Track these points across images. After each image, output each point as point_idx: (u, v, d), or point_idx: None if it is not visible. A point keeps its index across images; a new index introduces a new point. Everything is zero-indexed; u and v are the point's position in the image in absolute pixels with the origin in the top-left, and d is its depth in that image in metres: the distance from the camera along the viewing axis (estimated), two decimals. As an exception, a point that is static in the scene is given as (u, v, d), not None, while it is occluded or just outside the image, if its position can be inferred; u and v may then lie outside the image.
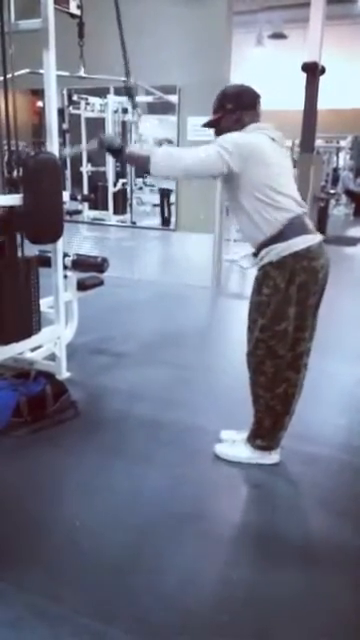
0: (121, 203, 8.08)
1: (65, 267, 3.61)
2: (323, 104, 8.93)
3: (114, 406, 3.30)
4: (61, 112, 6.81)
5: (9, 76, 2.88)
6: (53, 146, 3.22)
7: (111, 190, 7.87)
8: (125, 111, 8.24)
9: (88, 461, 2.72)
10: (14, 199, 2.90)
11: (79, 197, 6.96)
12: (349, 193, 14.70)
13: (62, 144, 7.08)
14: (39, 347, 3.51)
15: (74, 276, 3.78)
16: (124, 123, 8.36)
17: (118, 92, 7.16)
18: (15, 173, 2.95)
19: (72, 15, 3.41)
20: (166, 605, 1.85)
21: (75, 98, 7.44)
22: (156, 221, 8.11)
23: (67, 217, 4.64)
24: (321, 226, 9.87)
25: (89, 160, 7.93)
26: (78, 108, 7.64)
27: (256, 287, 2.42)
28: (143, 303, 5.77)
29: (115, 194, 7.93)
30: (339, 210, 14.85)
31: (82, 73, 4.08)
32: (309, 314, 2.40)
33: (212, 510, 2.41)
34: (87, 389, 3.45)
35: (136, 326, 4.89)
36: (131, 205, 8.24)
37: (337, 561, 2.11)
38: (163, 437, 2.95)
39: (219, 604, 1.87)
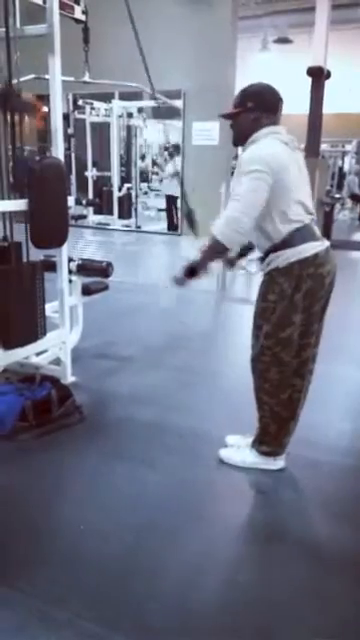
0: (126, 207, 8.09)
1: (70, 272, 3.61)
2: (328, 108, 8.94)
3: (119, 410, 3.30)
4: (66, 117, 6.83)
5: (15, 81, 2.89)
6: (58, 151, 3.22)
7: (116, 194, 7.88)
8: (130, 116, 8.27)
9: (93, 465, 2.71)
10: (20, 204, 2.91)
11: (84, 202, 6.97)
12: (354, 197, 14.67)
13: (67, 149, 7.10)
14: (44, 351, 3.51)
15: (79, 281, 3.78)
16: (129, 128, 8.38)
17: (123, 97, 7.18)
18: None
19: (77, 20, 3.43)
20: (169, 608, 1.85)
21: (80, 103, 7.46)
22: (161, 226, 8.12)
23: (72, 222, 4.65)
24: (326, 230, 9.87)
25: (94, 164, 7.94)
26: (83, 113, 7.66)
27: (262, 293, 2.41)
28: (148, 307, 5.77)
29: (120, 198, 7.95)
30: (344, 214, 14.83)
31: (87, 78, 4.10)
32: (315, 320, 2.39)
33: (216, 514, 2.40)
34: (92, 393, 3.45)
35: (141, 330, 4.89)
36: (136, 210, 8.25)
37: (341, 565, 2.10)
38: (168, 441, 2.94)
39: (222, 606, 1.87)
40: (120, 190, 8.00)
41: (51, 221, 3.04)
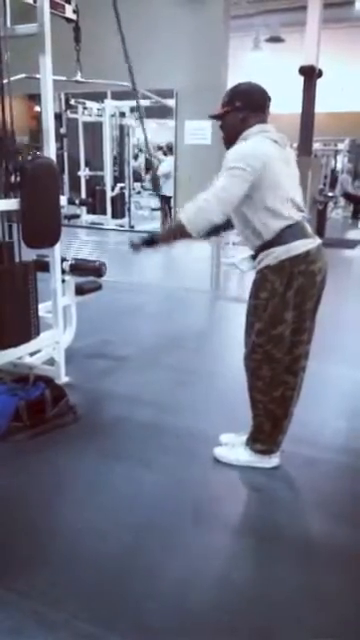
0: (119, 207, 8.09)
1: (63, 271, 3.60)
2: (321, 107, 8.96)
3: (113, 410, 3.29)
4: (58, 117, 6.82)
5: (5, 81, 2.88)
6: (50, 150, 3.21)
7: (109, 194, 7.87)
8: (122, 115, 8.25)
9: (88, 465, 2.71)
10: (12, 203, 2.90)
11: (77, 201, 6.96)
12: (347, 196, 14.71)
13: (60, 149, 7.08)
14: (38, 351, 3.50)
15: (72, 280, 3.77)
16: (122, 127, 8.37)
17: (115, 96, 7.17)
18: (13, 178, 2.95)
19: (68, 19, 3.41)
20: (166, 609, 1.85)
21: (72, 102, 7.44)
22: (154, 225, 8.11)
23: (65, 221, 4.63)
24: (320, 229, 9.88)
25: (87, 164, 7.93)
26: (75, 112, 7.64)
27: (253, 290, 2.42)
28: (142, 307, 5.76)
29: (113, 198, 7.94)
30: (337, 213, 14.86)
31: (79, 77, 4.08)
32: (307, 318, 2.40)
33: (212, 513, 2.40)
34: (86, 393, 3.44)
35: (135, 330, 4.89)
36: (129, 209, 8.25)
37: (337, 563, 2.09)
38: (163, 441, 2.94)
39: (219, 606, 1.87)
40: (113, 190, 7.99)
41: (43, 221, 3.04)
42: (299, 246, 2.30)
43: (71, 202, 6.49)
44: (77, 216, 7.13)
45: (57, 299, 3.47)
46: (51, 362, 3.54)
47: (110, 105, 7.66)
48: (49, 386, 3.11)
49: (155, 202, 8.57)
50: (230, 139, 2.44)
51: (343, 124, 14.11)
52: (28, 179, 2.91)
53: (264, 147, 2.30)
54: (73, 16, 3.43)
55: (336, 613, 1.86)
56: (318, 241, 2.39)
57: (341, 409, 3.40)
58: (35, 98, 3.34)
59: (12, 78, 2.95)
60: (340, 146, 15.87)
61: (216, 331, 5.05)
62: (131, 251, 2.56)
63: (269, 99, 2.45)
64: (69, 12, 3.37)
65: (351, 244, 10.39)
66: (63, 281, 3.58)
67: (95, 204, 7.73)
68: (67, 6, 3.34)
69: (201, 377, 3.81)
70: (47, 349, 3.50)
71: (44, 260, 3.41)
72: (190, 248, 6.19)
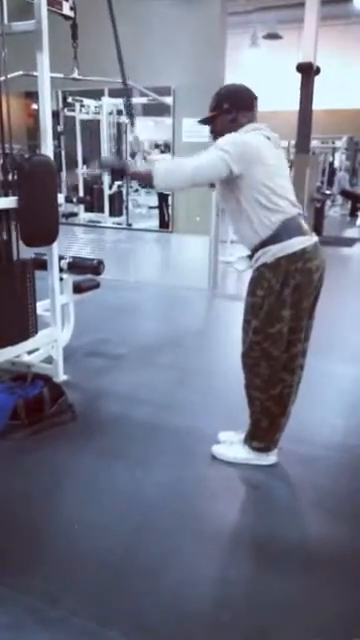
0: (117, 205, 8.07)
1: (61, 270, 3.60)
2: (318, 105, 8.95)
3: (112, 408, 3.29)
4: (56, 114, 6.80)
5: (2, 78, 2.88)
6: (47, 148, 3.21)
7: (107, 192, 7.86)
8: (120, 113, 8.23)
9: (86, 463, 2.71)
10: (10, 202, 2.90)
11: (75, 199, 6.94)
12: (345, 193, 14.71)
13: (57, 146, 7.06)
14: (36, 350, 3.50)
15: (70, 279, 3.77)
16: (119, 125, 8.35)
17: (113, 94, 7.15)
18: (10, 176, 2.94)
19: (65, 17, 3.40)
20: (164, 606, 1.85)
21: (70, 100, 7.42)
22: (152, 223, 8.10)
23: (63, 220, 4.63)
24: (317, 227, 9.88)
25: (84, 162, 7.91)
26: (73, 110, 7.62)
27: (250, 288, 2.42)
28: (140, 305, 5.76)
29: (111, 196, 7.92)
30: (335, 211, 14.86)
31: (76, 75, 4.07)
32: (304, 316, 2.40)
33: (210, 511, 2.40)
34: (84, 392, 3.44)
35: (133, 328, 4.89)
36: (127, 207, 8.23)
37: (335, 560, 2.10)
38: (161, 439, 2.94)
39: (217, 605, 1.87)
40: (111, 188, 7.98)
41: (41, 219, 3.03)
42: (295, 244, 2.30)
43: (69, 200, 6.48)
44: (75, 214, 7.11)
45: (55, 297, 3.47)
46: (49, 360, 3.54)
47: (107, 103, 7.64)
48: (47, 384, 3.11)
49: (154, 200, 8.53)
50: None
51: (341, 121, 14.11)
52: (26, 177, 2.91)
53: (256, 140, 2.32)
54: (70, 13, 3.42)
55: (334, 611, 1.87)
56: (315, 238, 2.39)
57: (339, 406, 3.41)
58: (33, 96, 3.33)
59: (9, 75, 2.95)
60: (338, 143, 15.86)
61: (214, 329, 5.05)
62: (98, 166, 2.68)
63: (256, 98, 2.47)
64: (66, 9, 3.37)
65: (349, 242, 10.40)
66: (61, 279, 3.58)
67: (93, 202, 7.72)
68: (64, 3, 3.33)
69: (199, 375, 3.82)
70: (45, 347, 3.50)
71: (42, 258, 3.41)
72: (187, 246, 6.20)
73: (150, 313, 5.59)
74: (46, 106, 3.17)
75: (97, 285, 4.00)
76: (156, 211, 8.34)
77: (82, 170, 7.91)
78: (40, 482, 2.56)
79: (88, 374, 3.72)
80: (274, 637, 1.78)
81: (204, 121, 2.53)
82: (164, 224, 7.20)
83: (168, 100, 6.01)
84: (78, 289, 3.84)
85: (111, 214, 7.85)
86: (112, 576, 1.98)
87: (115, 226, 7.62)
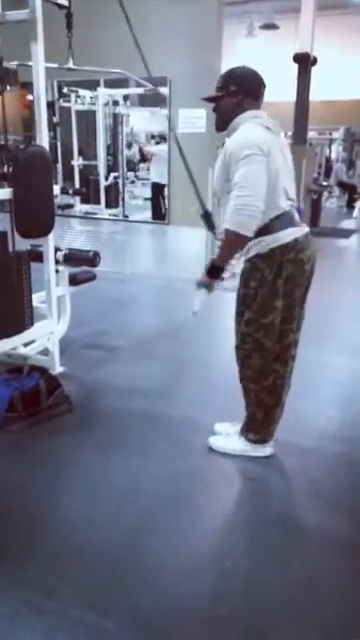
0: (113, 197, 8.05)
1: (57, 261, 3.59)
2: (315, 95, 8.91)
3: (108, 400, 3.29)
4: (51, 105, 6.75)
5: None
6: (43, 139, 3.19)
7: (103, 184, 7.83)
8: (116, 103, 8.19)
9: (83, 455, 2.71)
10: (5, 193, 2.88)
11: (70, 191, 6.92)
12: (342, 185, 14.69)
13: (53, 138, 7.03)
14: (32, 342, 3.49)
15: (66, 270, 3.75)
16: (115, 116, 8.31)
17: (108, 84, 7.12)
18: (5, 168, 2.93)
19: (60, 6, 3.37)
20: (161, 598, 1.86)
21: (65, 91, 7.38)
22: (149, 215, 8.08)
23: (59, 211, 4.60)
24: (314, 218, 9.87)
25: (80, 153, 7.88)
26: (68, 101, 7.58)
27: (243, 279, 2.42)
28: (136, 297, 5.76)
29: (107, 188, 7.89)
30: (332, 202, 14.84)
31: (71, 65, 4.03)
32: (296, 306, 2.40)
33: (207, 503, 2.41)
34: (81, 383, 3.44)
35: (129, 320, 4.88)
36: (123, 199, 8.21)
37: (332, 551, 2.11)
38: (157, 431, 2.95)
39: (215, 597, 1.88)
40: (107, 179, 7.95)
41: (37, 210, 3.02)
42: (288, 234, 2.30)
43: (64, 192, 6.45)
44: (71, 206, 7.09)
45: (51, 289, 3.46)
46: (45, 352, 3.53)
47: (103, 93, 7.59)
48: (43, 376, 3.11)
49: (149, 192, 8.50)
50: (223, 123, 2.43)
51: (338, 112, 14.05)
52: (20, 168, 2.89)
53: (260, 133, 2.28)
54: (65, 2, 3.39)
55: (332, 602, 1.88)
56: (306, 229, 2.39)
57: (334, 398, 3.41)
58: (28, 86, 3.30)
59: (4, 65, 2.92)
60: (335, 135, 15.81)
61: (210, 321, 5.04)
62: (199, 290, 2.51)
63: (264, 86, 2.43)
64: (61, -2, 3.34)
65: (346, 233, 10.39)
66: (57, 271, 3.57)
67: (89, 194, 7.70)
68: (59, -8, 3.30)
69: (196, 367, 3.82)
70: (41, 339, 3.49)
71: (38, 250, 3.39)
72: (184, 238, 6.18)
73: (146, 305, 5.59)
74: (41, 97, 3.15)
75: (93, 277, 3.99)
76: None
77: (78, 161, 7.88)
78: (37, 474, 2.56)
79: (84, 366, 3.72)
80: (272, 628, 1.78)
81: (209, 99, 2.47)
82: (158, 216, 7.19)
83: (164, 90, 5.98)
84: (74, 281, 3.83)
85: (107, 206, 7.83)
86: (109, 568, 1.98)
87: (111, 218, 7.61)
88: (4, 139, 2.96)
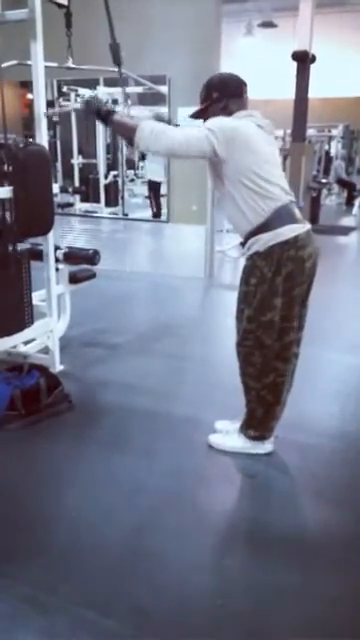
0: (113, 195, 8.04)
1: (57, 260, 3.59)
2: (314, 93, 8.91)
3: (108, 398, 3.30)
4: (51, 104, 6.75)
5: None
6: (42, 138, 3.19)
7: (102, 182, 7.83)
8: (115, 102, 8.18)
9: (83, 453, 2.72)
10: (5, 192, 2.88)
11: (70, 189, 6.91)
12: (341, 182, 14.67)
13: (53, 136, 7.02)
14: (32, 340, 3.50)
15: (66, 269, 3.76)
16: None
17: (108, 83, 7.11)
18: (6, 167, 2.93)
19: (59, 5, 3.37)
20: (162, 595, 1.86)
21: (65, 90, 7.37)
22: (148, 213, 8.08)
23: (58, 210, 4.61)
24: (313, 216, 9.87)
25: (80, 152, 7.87)
26: (68, 100, 7.57)
27: (243, 277, 2.42)
28: (136, 295, 5.76)
29: (107, 186, 7.88)
30: (331, 199, 14.82)
31: (70, 64, 4.03)
32: (296, 304, 2.40)
33: (208, 500, 2.42)
34: (81, 381, 3.45)
35: (129, 318, 4.89)
36: (123, 197, 8.20)
37: (332, 548, 2.12)
38: (158, 428, 2.96)
39: (216, 594, 1.88)
40: (106, 178, 7.94)
41: (36, 209, 3.02)
42: (288, 231, 2.30)
43: (64, 190, 6.45)
44: (70, 204, 7.09)
45: (51, 287, 3.46)
46: (45, 351, 3.54)
47: (102, 92, 7.58)
48: (44, 375, 3.12)
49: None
50: None
51: (337, 109, 14.04)
52: (20, 167, 2.89)
53: (247, 129, 2.32)
54: (64, 1, 3.39)
55: (332, 599, 1.88)
56: (307, 226, 2.39)
57: (335, 394, 3.42)
58: (28, 85, 3.30)
59: (3, 65, 2.93)
60: (334, 132, 15.78)
61: (210, 318, 5.06)
62: (81, 105, 2.53)
63: (244, 84, 2.48)
64: (60, -3, 3.34)
65: (345, 230, 10.39)
66: (57, 269, 3.57)
67: (88, 192, 7.69)
68: (58, -9, 3.30)
69: (196, 364, 3.83)
70: (41, 338, 3.50)
71: (38, 249, 3.40)
72: (183, 236, 6.19)
73: (146, 303, 5.59)
74: (40, 95, 3.15)
75: (93, 275, 3.99)
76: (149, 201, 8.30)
77: (77, 160, 7.87)
78: (38, 472, 2.57)
79: (84, 364, 3.73)
80: (273, 626, 1.78)
81: (196, 115, 2.53)
82: (154, 214, 7.20)
83: (163, 89, 5.98)
84: (74, 279, 3.84)
85: (107, 204, 7.82)
86: (110, 565, 1.99)
87: (111, 216, 7.61)
88: (4, 138, 2.95)
